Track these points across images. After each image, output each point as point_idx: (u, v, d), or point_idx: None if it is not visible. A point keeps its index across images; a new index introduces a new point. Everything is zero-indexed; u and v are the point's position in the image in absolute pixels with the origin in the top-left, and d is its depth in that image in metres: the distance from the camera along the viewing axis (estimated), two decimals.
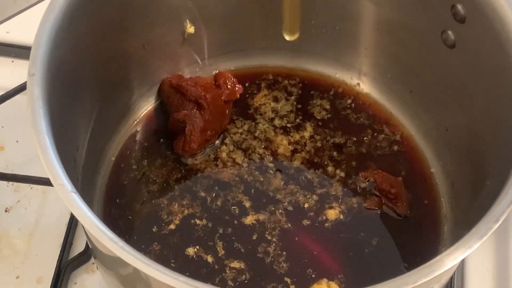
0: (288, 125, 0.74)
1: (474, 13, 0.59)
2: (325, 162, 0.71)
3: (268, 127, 0.73)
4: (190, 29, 0.71)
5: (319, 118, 0.74)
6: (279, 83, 0.77)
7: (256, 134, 0.73)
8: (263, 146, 0.72)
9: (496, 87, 0.58)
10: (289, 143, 0.72)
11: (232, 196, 0.68)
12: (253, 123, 0.74)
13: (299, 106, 0.75)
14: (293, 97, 0.76)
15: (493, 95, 0.59)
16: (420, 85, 0.71)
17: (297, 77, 0.77)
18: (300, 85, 0.77)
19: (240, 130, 0.73)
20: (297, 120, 0.74)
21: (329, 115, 0.74)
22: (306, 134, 0.73)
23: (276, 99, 0.76)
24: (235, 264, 0.63)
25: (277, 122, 0.74)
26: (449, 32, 0.63)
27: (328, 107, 0.75)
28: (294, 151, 0.72)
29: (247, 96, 0.75)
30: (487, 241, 0.47)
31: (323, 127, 0.74)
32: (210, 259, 0.63)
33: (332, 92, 0.76)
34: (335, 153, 0.72)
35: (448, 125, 0.69)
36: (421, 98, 0.72)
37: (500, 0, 0.57)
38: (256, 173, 0.70)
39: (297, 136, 0.73)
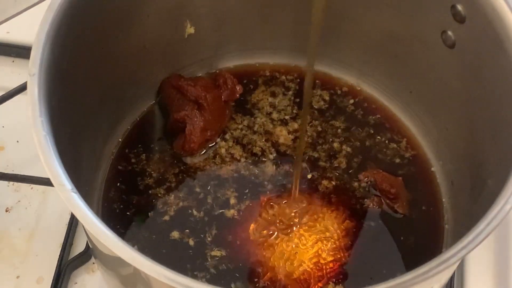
0: (286, 117, 0.74)
1: (474, 13, 0.59)
2: (331, 139, 0.72)
3: (266, 121, 0.74)
4: (190, 29, 0.71)
5: (316, 107, 0.75)
6: (277, 79, 0.77)
7: (255, 129, 0.73)
8: (263, 139, 0.72)
9: (496, 87, 0.58)
10: (289, 133, 0.73)
11: (230, 190, 0.68)
12: (252, 118, 0.74)
13: (297, 100, 0.75)
14: (290, 92, 0.76)
15: (492, 94, 0.59)
16: (420, 85, 0.71)
17: (295, 73, 0.77)
18: (298, 80, 0.77)
19: (240, 126, 0.73)
20: (294, 111, 0.74)
21: (326, 106, 0.75)
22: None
23: (273, 94, 0.76)
24: (216, 253, 0.63)
25: (275, 115, 0.74)
26: (449, 32, 0.63)
27: (327, 98, 0.75)
28: (295, 139, 0.72)
29: (245, 93, 0.75)
30: (487, 241, 0.47)
31: (321, 114, 0.74)
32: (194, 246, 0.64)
33: (332, 91, 0.76)
34: (339, 131, 0.73)
35: (448, 124, 0.69)
36: (421, 98, 0.72)
37: (500, 0, 0.57)
38: (259, 165, 0.70)
39: (295, 125, 0.73)
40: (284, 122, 0.74)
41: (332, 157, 0.71)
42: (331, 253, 0.64)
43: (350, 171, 0.70)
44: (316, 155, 0.71)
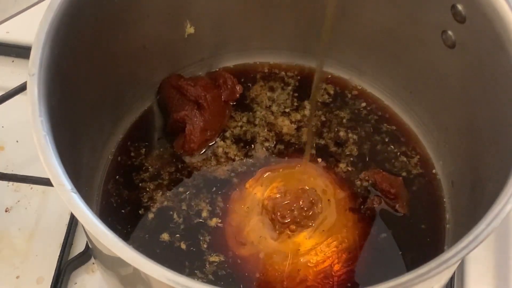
0: (286, 109, 0.74)
1: (474, 13, 0.59)
2: (336, 129, 0.72)
3: (266, 113, 0.73)
4: (190, 29, 0.71)
5: (320, 100, 0.74)
6: (276, 75, 0.77)
7: (256, 122, 0.73)
8: (266, 130, 0.72)
9: (496, 87, 0.58)
10: (291, 122, 0.73)
11: (233, 188, 0.68)
12: (251, 113, 0.74)
13: (296, 94, 0.75)
14: (290, 87, 0.76)
15: (493, 95, 0.59)
16: (420, 85, 0.71)
17: (295, 70, 0.77)
18: (298, 77, 0.76)
19: (239, 123, 0.73)
20: (295, 104, 0.74)
21: (330, 99, 0.75)
22: (307, 112, 0.73)
23: (272, 89, 0.75)
24: (215, 258, 0.63)
25: (274, 108, 0.74)
26: (449, 32, 0.63)
27: (332, 92, 0.75)
28: (299, 128, 0.72)
29: (244, 90, 0.75)
30: (487, 241, 0.47)
31: (324, 106, 0.74)
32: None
33: (332, 91, 0.76)
34: (344, 121, 0.73)
35: (448, 124, 0.69)
36: (421, 98, 0.72)
37: (500, 0, 0.57)
38: (261, 161, 0.70)
39: (298, 116, 0.73)
40: (285, 114, 0.73)
41: (336, 150, 0.71)
42: (339, 260, 0.64)
43: (349, 173, 0.70)
44: (322, 141, 0.71)
